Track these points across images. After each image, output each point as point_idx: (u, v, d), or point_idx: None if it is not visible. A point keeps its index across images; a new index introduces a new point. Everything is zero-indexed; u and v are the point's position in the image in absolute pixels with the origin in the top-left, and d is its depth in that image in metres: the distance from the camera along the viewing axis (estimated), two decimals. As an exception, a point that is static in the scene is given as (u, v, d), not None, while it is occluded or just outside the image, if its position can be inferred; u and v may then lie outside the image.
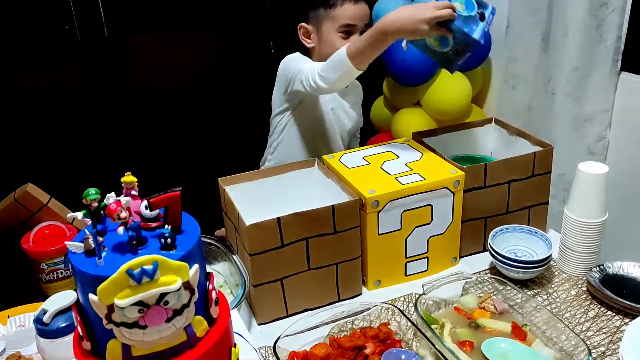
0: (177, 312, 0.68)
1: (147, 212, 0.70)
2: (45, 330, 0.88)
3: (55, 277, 1.28)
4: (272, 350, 0.97)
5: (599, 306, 1.14)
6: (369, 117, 2.49)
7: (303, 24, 1.59)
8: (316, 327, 1.05)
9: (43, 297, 1.27)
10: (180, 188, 0.69)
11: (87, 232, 0.67)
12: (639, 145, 1.78)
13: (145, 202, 0.70)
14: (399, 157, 1.31)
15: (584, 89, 1.82)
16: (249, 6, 2.42)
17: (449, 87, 2.10)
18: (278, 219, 1.06)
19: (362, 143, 2.37)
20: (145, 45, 2.21)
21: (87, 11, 2.10)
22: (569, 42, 1.78)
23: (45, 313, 0.88)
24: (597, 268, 1.20)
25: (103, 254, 0.66)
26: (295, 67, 1.45)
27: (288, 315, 1.16)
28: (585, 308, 1.14)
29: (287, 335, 1.01)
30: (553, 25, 1.86)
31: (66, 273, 1.29)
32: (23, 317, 1.10)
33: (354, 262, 1.18)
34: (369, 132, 2.48)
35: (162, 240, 0.68)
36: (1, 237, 1.36)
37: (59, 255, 1.28)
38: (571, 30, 1.76)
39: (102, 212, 0.69)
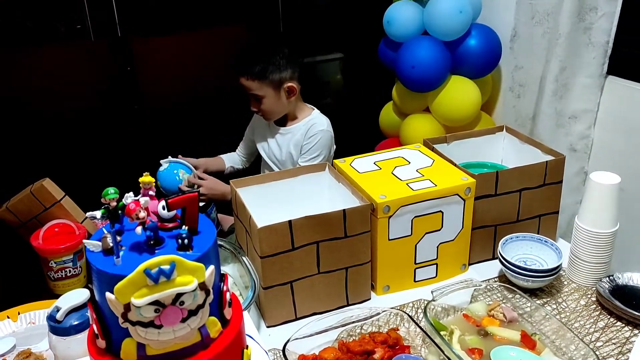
0: (192, 313, 0.68)
1: (164, 213, 0.71)
2: (58, 327, 0.88)
3: (64, 275, 1.29)
4: (282, 353, 0.98)
5: (609, 317, 1.14)
6: (377, 123, 2.49)
7: None
8: (325, 331, 1.05)
9: (51, 294, 1.28)
10: (198, 189, 0.69)
11: (106, 231, 0.68)
12: (622, 144, 1.83)
13: (163, 203, 0.70)
14: (410, 162, 1.32)
15: (569, 88, 1.87)
16: (261, 9, 2.43)
17: (459, 94, 2.10)
18: (289, 222, 1.07)
19: (371, 148, 2.38)
20: (158, 45, 2.22)
21: (101, 11, 2.11)
22: (561, 45, 1.81)
23: (58, 310, 0.89)
24: (607, 278, 1.19)
25: (121, 253, 0.67)
26: None
27: (297, 319, 1.16)
28: (595, 318, 1.14)
29: (297, 339, 1.01)
30: (553, 30, 1.89)
31: (74, 271, 1.30)
32: (33, 314, 1.11)
33: (364, 267, 1.18)
34: (377, 138, 2.48)
35: (179, 240, 0.68)
36: (13, 233, 1.37)
37: (68, 254, 1.28)
38: (563, 34, 1.79)
39: (119, 212, 0.69)
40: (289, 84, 1.68)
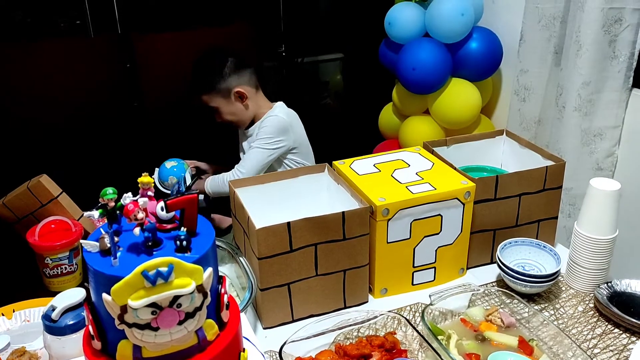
0: (190, 315, 0.67)
1: (163, 214, 0.70)
2: (53, 327, 0.88)
3: (59, 272, 1.28)
4: (278, 356, 0.97)
5: (606, 324, 1.14)
6: (376, 124, 2.49)
7: None
8: (322, 333, 1.04)
9: (46, 291, 1.27)
10: (198, 191, 0.69)
11: (103, 232, 0.67)
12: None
13: (161, 204, 0.69)
14: (409, 165, 1.31)
15: (594, 104, 1.83)
16: (262, 8, 2.43)
17: (459, 97, 2.10)
18: (288, 223, 1.06)
19: (369, 149, 2.37)
20: (158, 42, 2.21)
21: (101, 6, 2.10)
22: (582, 57, 1.78)
23: (54, 310, 0.88)
24: (605, 285, 1.19)
25: (118, 254, 0.66)
26: None
27: (293, 320, 1.15)
28: (592, 325, 1.14)
29: (293, 341, 1.00)
30: (567, 38, 1.86)
31: (70, 268, 1.29)
32: (28, 312, 1.10)
33: (362, 270, 1.17)
34: (376, 139, 2.48)
35: (178, 242, 0.68)
36: (9, 229, 1.36)
37: (64, 251, 1.27)
38: (584, 45, 1.76)
39: (118, 212, 0.69)
40: (237, 90, 1.78)
